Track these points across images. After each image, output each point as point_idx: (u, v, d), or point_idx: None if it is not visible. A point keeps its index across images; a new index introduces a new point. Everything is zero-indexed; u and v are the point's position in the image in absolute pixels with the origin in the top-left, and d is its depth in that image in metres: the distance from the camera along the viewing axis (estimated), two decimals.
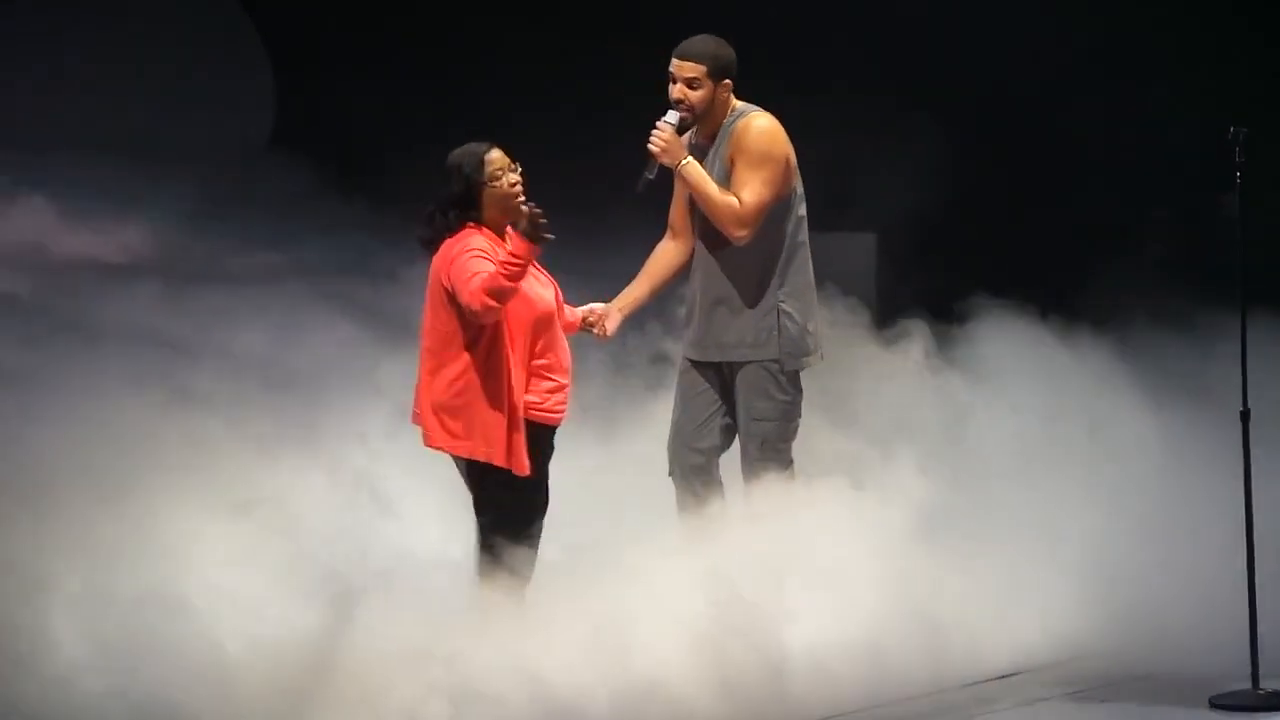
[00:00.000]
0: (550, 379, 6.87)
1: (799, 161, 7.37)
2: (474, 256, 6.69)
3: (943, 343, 8.96)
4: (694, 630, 6.59)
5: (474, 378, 6.74)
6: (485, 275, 6.63)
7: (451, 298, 6.72)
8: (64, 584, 6.52)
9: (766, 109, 7.38)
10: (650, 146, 7.18)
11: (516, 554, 6.71)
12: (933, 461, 7.79)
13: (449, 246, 6.78)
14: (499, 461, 6.72)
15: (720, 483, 7.38)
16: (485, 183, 6.81)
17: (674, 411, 7.48)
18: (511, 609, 6.64)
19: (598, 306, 7.28)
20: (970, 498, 7.69)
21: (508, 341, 6.77)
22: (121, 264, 12.30)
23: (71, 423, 7.80)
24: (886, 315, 9.04)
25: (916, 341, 8.80)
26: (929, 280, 9.67)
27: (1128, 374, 8.96)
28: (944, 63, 12.16)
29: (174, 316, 10.71)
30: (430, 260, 6.86)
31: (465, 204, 6.81)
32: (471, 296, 6.62)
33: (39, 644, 6.30)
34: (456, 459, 6.83)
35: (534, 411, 6.83)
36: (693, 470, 7.34)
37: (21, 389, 8.26)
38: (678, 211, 7.48)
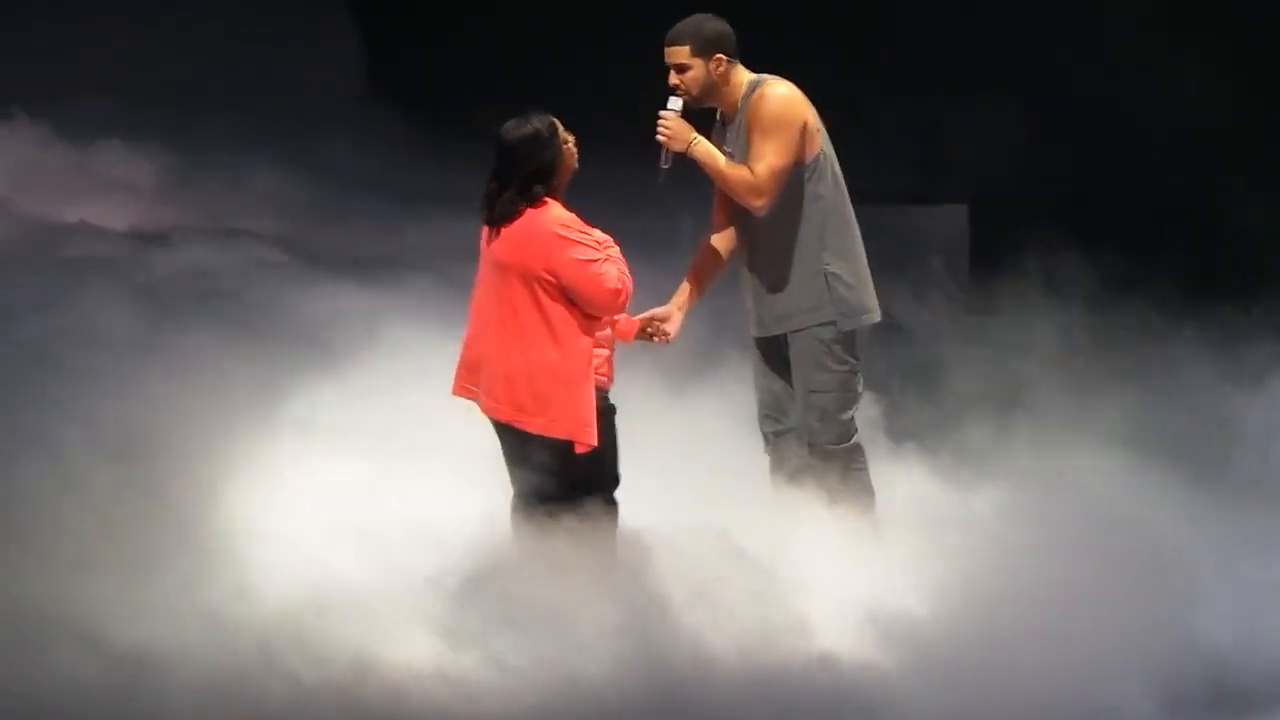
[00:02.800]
0: (603, 347, 6.82)
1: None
2: (590, 254, 6.61)
3: (1029, 315, 8.88)
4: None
5: (575, 361, 6.65)
6: (620, 286, 6.60)
7: (556, 284, 6.64)
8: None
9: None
10: (658, 137, 7.11)
11: (604, 516, 6.69)
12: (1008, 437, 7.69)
13: (542, 228, 6.66)
14: (591, 440, 6.67)
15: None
16: (561, 147, 6.75)
17: (756, 389, 7.43)
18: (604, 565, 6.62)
19: (658, 311, 7.19)
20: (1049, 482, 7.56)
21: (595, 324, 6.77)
22: (213, 217, 12.29)
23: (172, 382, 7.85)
24: (978, 286, 8.94)
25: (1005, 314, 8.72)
26: (1020, 252, 9.54)
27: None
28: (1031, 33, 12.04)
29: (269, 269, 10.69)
30: (491, 231, 6.74)
31: (550, 174, 6.73)
32: (609, 299, 6.61)
33: None
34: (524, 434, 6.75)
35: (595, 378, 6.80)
36: (784, 442, 7.27)
37: (129, 347, 8.29)
38: (719, 201, 7.41)
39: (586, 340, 6.68)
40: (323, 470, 7.50)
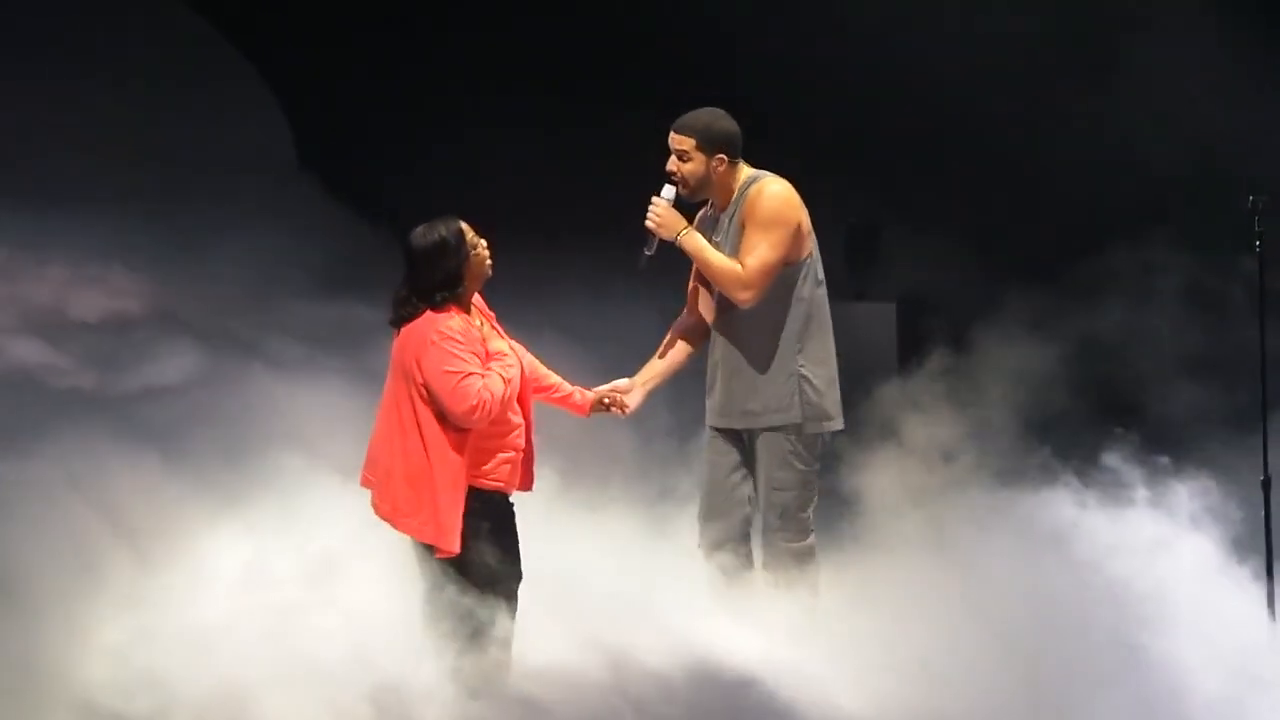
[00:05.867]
0: (504, 447, 6.85)
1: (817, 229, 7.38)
2: (460, 366, 6.68)
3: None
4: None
5: (442, 468, 6.72)
6: (475, 404, 6.65)
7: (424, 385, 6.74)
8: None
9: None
10: (647, 223, 7.21)
11: (503, 614, 6.77)
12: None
13: (421, 332, 6.75)
14: (452, 549, 6.71)
15: (750, 553, 7.36)
16: (468, 255, 6.82)
17: (701, 482, 7.48)
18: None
19: (620, 383, 7.28)
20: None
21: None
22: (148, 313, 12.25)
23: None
24: (906, 384, 9.03)
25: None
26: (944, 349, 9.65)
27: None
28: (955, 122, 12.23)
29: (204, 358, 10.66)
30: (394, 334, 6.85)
31: (455, 281, 6.81)
32: (464, 414, 6.66)
33: None
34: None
35: (483, 480, 6.83)
36: (723, 541, 7.32)
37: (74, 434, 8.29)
38: (694, 286, 7.52)
39: (457, 451, 6.71)
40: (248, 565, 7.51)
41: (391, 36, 14.09)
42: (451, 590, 6.70)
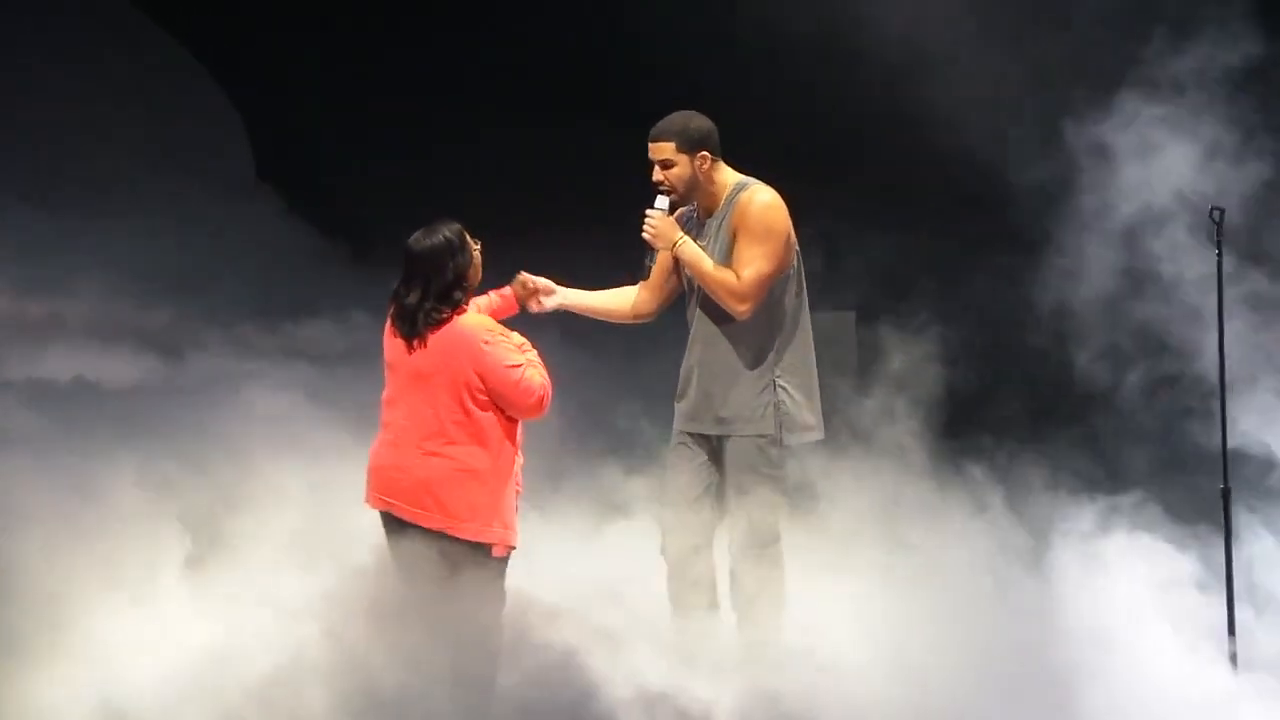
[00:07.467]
0: (518, 455, 6.95)
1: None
2: (515, 359, 6.77)
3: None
4: None
5: (502, 467, 6.81)
6: (543, 392, 6.78)
7: (484, 390, 6.75)
8: None
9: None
10: (644, 234, 7.26)
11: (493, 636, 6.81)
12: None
13: (467, 335, 6.78)
14: (514, 543, 6.81)
15: (713, 563, 7.36)
16: (472, 251, 6.86)
17: (666, 485, 7.48)
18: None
19: (543, 282, 7.34)
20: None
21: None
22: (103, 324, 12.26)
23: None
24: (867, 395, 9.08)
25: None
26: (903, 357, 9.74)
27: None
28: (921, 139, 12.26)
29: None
30: (409, 342, 6.84)
31: (466, 278, 6.84)
32: (534, 405, 6.78)
33: None
34: (435, 544, 6.80)
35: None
36: (686, 547, 7.33)
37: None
38: (658, 269, 7.50)
39: (512, 447, 6.81)
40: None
41: (354, 47, 14.09)
42: (499, 590, 6.77)
